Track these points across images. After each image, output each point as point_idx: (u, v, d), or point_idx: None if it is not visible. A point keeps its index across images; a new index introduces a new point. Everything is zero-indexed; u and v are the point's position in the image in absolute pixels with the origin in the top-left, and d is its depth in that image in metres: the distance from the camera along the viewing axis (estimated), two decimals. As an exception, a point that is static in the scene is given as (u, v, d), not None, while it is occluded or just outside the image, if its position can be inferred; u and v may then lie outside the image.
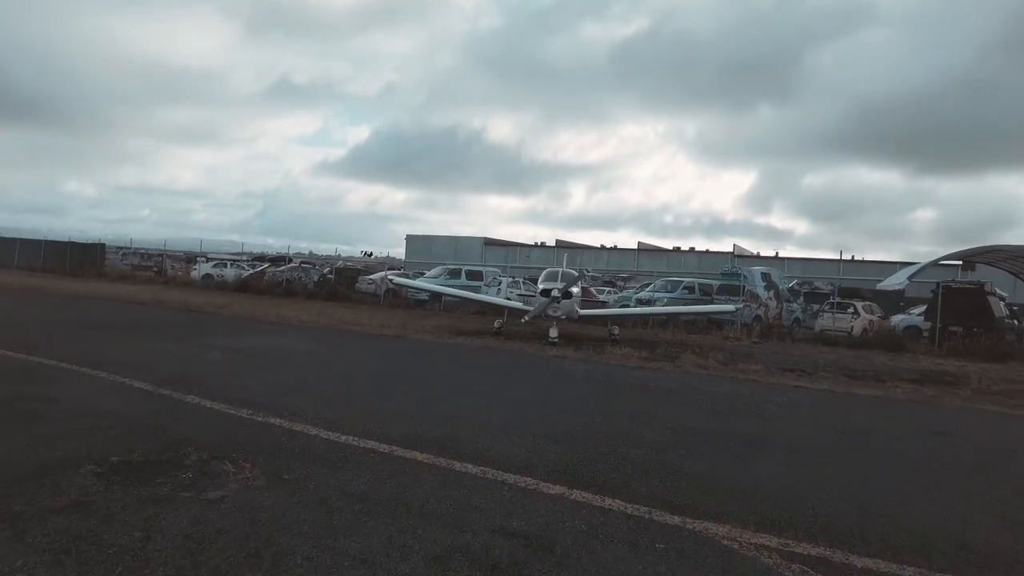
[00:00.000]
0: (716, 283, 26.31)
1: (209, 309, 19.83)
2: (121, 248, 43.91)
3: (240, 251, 40.98)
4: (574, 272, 16.83)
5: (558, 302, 15.20)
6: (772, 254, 62.78)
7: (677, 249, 65.25)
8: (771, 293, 24.78)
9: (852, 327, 22.37)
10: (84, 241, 40.94)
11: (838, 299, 23.77)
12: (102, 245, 40.53)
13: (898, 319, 25.07)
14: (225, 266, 37.38)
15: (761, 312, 23.78)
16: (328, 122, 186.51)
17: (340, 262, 45.17)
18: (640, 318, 22.00)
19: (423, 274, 30.87)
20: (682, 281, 26.12)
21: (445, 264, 34.68)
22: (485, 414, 7.34)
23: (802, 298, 27.18)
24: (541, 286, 15.97)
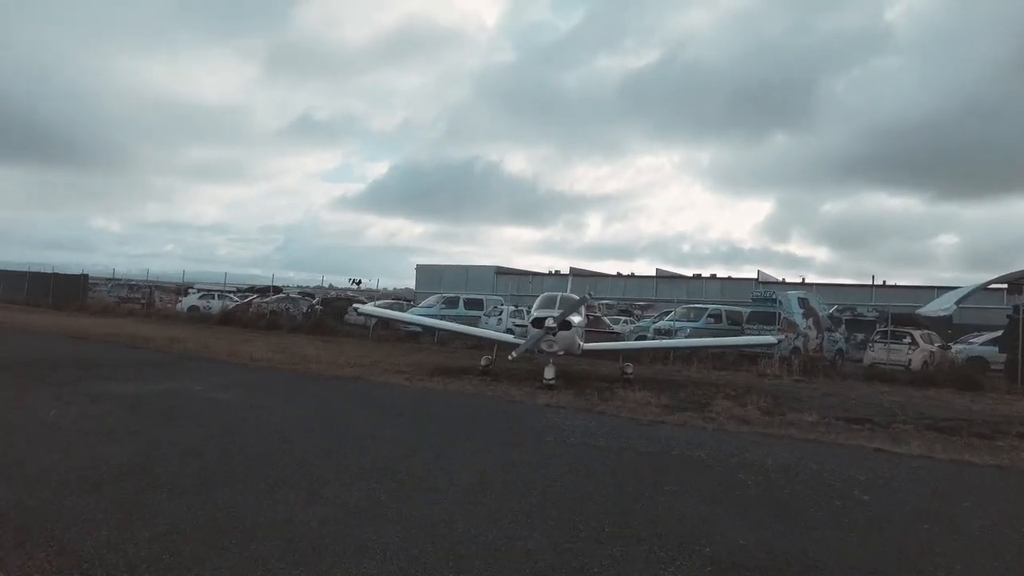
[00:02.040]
0: (746, 310, 23.14)
1: (157, 344, 17.13)
2: (110, 280, 41.77)
3: (262, 284, 38.34)
4: (575, 297, 13.83)
5: (553, 334, 12.18)
6: (798, 280, 59.36)
7: (698, 276, 61.89)
8: (810, 321, 21.52)
9: (910, 360, 19.07)
10: (68, 272, 38.84)
11: (891, 327, 20.46)
12: (86, 276, 38.42)
13: (958, 349, 21.66)
14: (212, 297, 34.91)
15: (800, 343, 20.54)
16: (348, 158, 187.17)
17: (333, 292, 42.47)
18: (659, 352, 18.88)
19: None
20: (707, 308, 22.99)
21: (453, 294, 31.66)
22: (377, 535, 4.35)
23: (844, 326, 23.87)
24: (534, 314, 12.99)
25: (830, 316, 23.80)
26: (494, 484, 5.61)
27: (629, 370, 13.78)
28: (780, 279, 57.73)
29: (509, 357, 12.27)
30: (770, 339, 16.46)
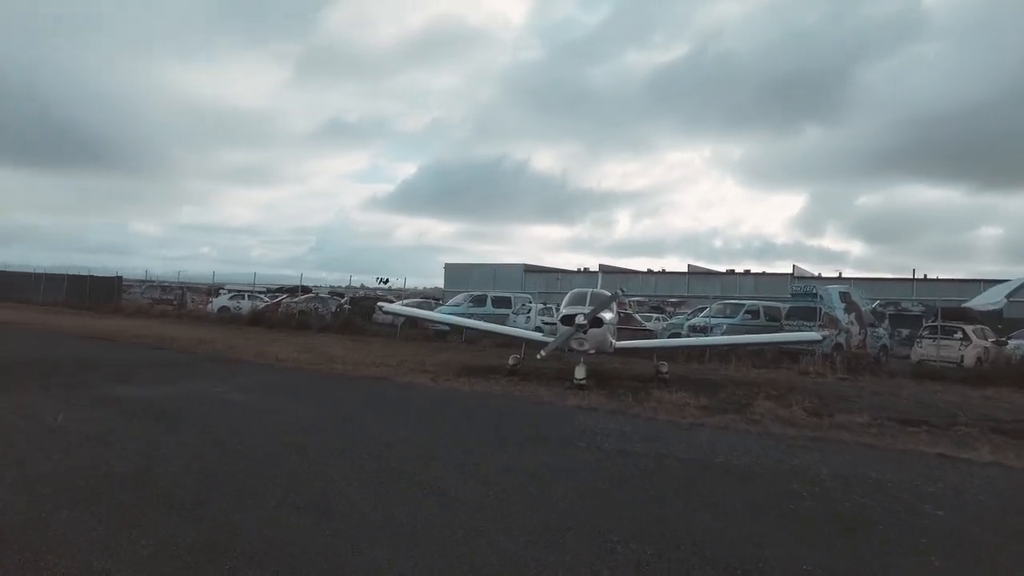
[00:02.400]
0: (784, 306, 22.26)
1: (183, 345, 17.00)
2: (144, 281, 42.30)
3: (291, 284, 38.49)
4: (606, 293, 13.24)
5: (584, 332, 11.61)
6: (834, 275, 57.67)
7: (731, 271, 60.57)
8: (852, 316, 20.60)
9: (962, 356, 18.03)
10: (103, 275, 39.41)
11: (940, 322, 19.41)
12: (120, 279, 38.91)
13: (1016, 344, 20.49)
14: (243, 298, 35.04)
15: (842, 339, 19.64)
16: (378, 159, 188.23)
17: (362, 291, 42.38)
18: (694, 350, 18.17)
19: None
20: (743, 304, 22.17)
21: (481, 292, 31.19)
22: (390, 559, 3.88)
23: (887, 321, 22.82)
24: (563, 311, 12.42)
25: (873, 311, 22.80)
26: (520, 497, 5.11)
27: (664, 369, 13.16)
28: (816, 274, 56.18)
29: (538, 356, 11.74)
30: (814, 335, 15.64)
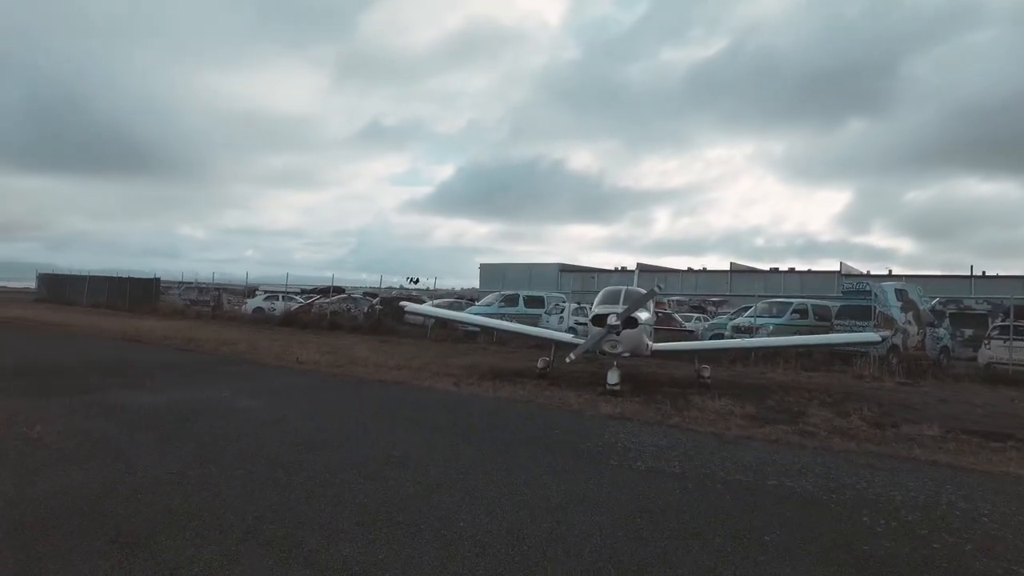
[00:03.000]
0: (834, 305, 20.91)
1: (207, 347, 16.61)
2: (181, 283, 42.69)
3: (325, 285, 38.41)
4: (642, 291, 12.26)
5: (617, 333, 10.67)
6: (884, 272, 55.21)
7: (775, 270, 58.64)
8: (909, 315, 19.15)
9: (1038, 359, 16.48)
10: (142, 277, 39.86)
11: (1013, 321, 17.84)
12: (158, 280, 39.27)
13: (1093, 347, 18.75)
14: (277, 299, 34.96)
15: (899, 340, 18.24)
16: (415, 162, 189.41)
17: (394, 291, 41.94)
18: (739, 352, 17.04)
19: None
20: (791, 303, 20.86)
21: (513, 292, 30.33)
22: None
23: (947, 320, 21.24)
24: (594, 311, 11.51)
25: (932, 309, 21.24)
26: (538, 535, 4.26)
27: (706, 373, 12.13)
28: (864, 271, 53.97)
29: (567, 359, 10.85)
30: (872, 336, 14.39)
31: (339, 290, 36.62)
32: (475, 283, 61.47)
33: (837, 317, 19.53)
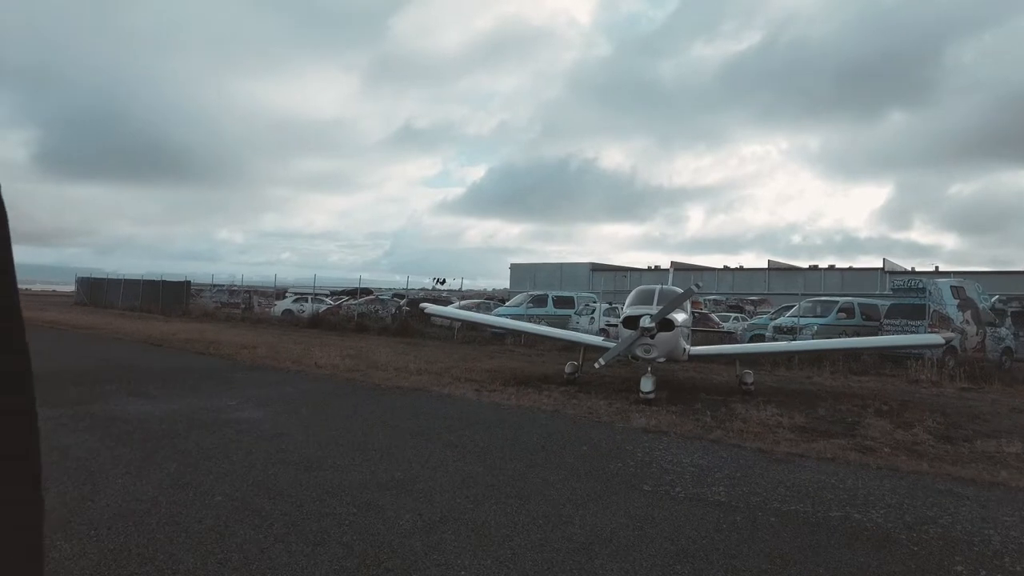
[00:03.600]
0: (883, 303, 19.66)
1: (227, 351, 16.18)
2: (214, 286, 42.87)
3: (352, 287, 38.16)
4: (678, 290, 11.36)
5: (651, 336, 9.81)
6: (930, 268, 52.93)
7: (814, 267, 56.75)
8: (967, 314, 17.88)
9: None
10: (173, 280, 40.11)
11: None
12: (188, 283, 39.41)
13: None
14: (306, 301, 34.77)
15: (956, 342, 16.96)
16: (447, 163, 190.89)
17: (422, 291, 41.47)
18: (780, 355, 15.98)
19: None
20: (836, 302, 19.67)
21: (542, 292, 29.48)
22: None
23: (1009, 319, 19.78)
24: (626, 312, 10.65)
25: (992, 308, 19.82)
26: (551, 586, 3.49)
27: (749, 379, 11.17)
28: (909, 268, 51.83)
29: (595, 366, 10.03)
30: (934, 338, 13.24)
31: (367, 291, 36.29)
32: (507, 283, 60.85)
33: (887, 316, 18.31)
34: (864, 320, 19.09)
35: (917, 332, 16.95)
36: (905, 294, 18.23)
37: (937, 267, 52.49)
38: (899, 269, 49.46)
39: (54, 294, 71.38)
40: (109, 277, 47.62)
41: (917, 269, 51.61)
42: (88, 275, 50.96)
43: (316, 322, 29.28)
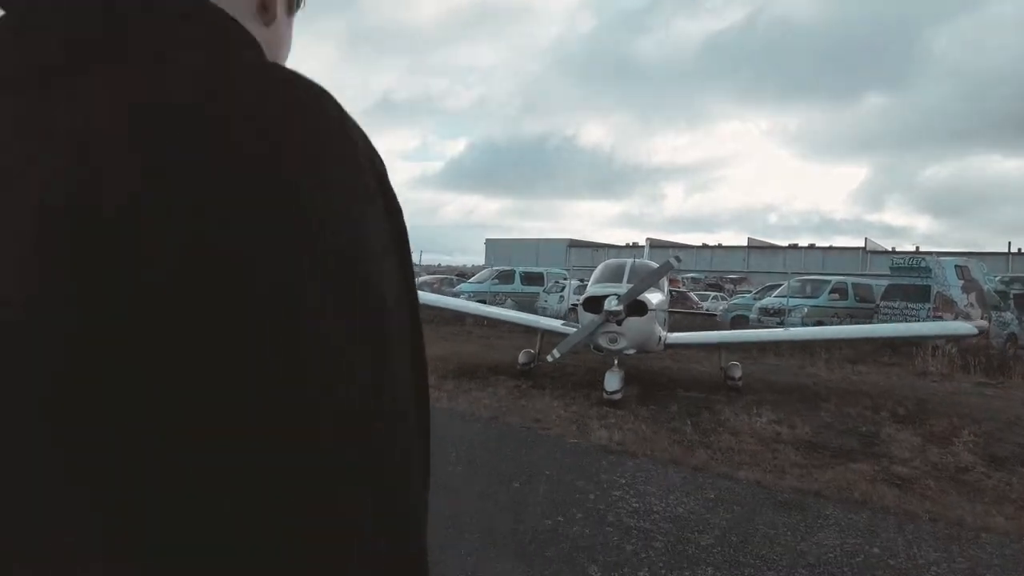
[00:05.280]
0: (878, 284, 17.96)
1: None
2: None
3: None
4: (653, 265, 9.39)
5: (619, 322, 7.78)
6: (911, 249, 51.83)
7: (794, 246, 55.37)
8: (971, 297, 16.22)
9: None
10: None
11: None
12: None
13: None
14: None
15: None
16: (426, 137, 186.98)
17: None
18: (771, 344, 14.16)
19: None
20: (828, 281, 17.91)
21: (508, 267, 27.35)
22: None
23: (1012, 302, 18.19)
24: (588, 291, 8.66)
25: (995, 290, 18.22)
26: None
27: (736, 373, 9.24)
28: (890, 248, 50.70)
29: (548, 358, 8.04)
30: (967, 328, 11.47)
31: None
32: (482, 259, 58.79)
33: (884, 298, 16.59)
34: (858, 301, 17.39)
35: (919, 315, 15.28)
36: (905, 273, 16.49)
37: (917, 247, 51.40)
38: (879, 249, 48.34)
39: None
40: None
41: (898, 249, 50.53)
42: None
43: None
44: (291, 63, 0.59)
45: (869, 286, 18.23)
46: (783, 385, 10.30)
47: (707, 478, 5.29)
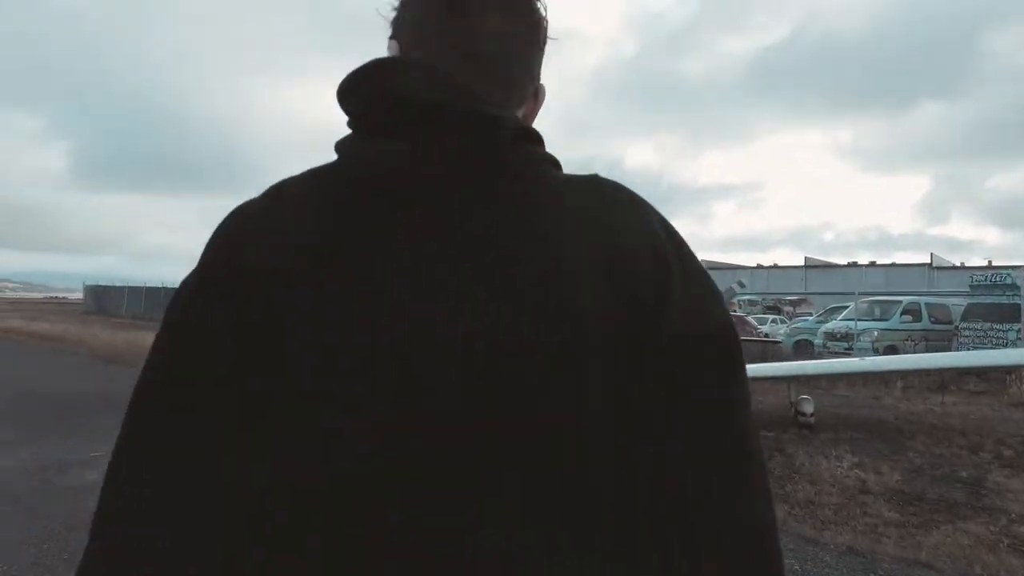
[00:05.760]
0: (956, 304, 16.58)
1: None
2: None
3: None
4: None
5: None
6: (982, 263, 48.95)
7: (854, 264, 52.94)
8: (1064, 316, 14.75)
9: None
10: (174, 287, 38.28)
11: None
12: (187, 290, 37.52)
13: None
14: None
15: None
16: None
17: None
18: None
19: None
20: (899, 302, 16.62)
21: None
22: None
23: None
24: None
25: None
26: None
27: (808, 409, 8.29)
28: (959, 263, 48.01)
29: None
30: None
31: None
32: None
33: (964, 319, 15.25)
34: (932, 323, 16.07)
35: (1007, 337, 13.93)
36: (987, 291, 15.14)
37: (990, 261, 48.59)
38: (947, 264, 45.80)
39: (66, 301, 70.86)
40: (115, 285, 46.16)
41: (969, 264, 47.79)
42: (95, 283, 49.63)
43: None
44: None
45: (945, 306, 16.89)
46: (859, 420, 9.28)
47: (788, 540, 4.47)
